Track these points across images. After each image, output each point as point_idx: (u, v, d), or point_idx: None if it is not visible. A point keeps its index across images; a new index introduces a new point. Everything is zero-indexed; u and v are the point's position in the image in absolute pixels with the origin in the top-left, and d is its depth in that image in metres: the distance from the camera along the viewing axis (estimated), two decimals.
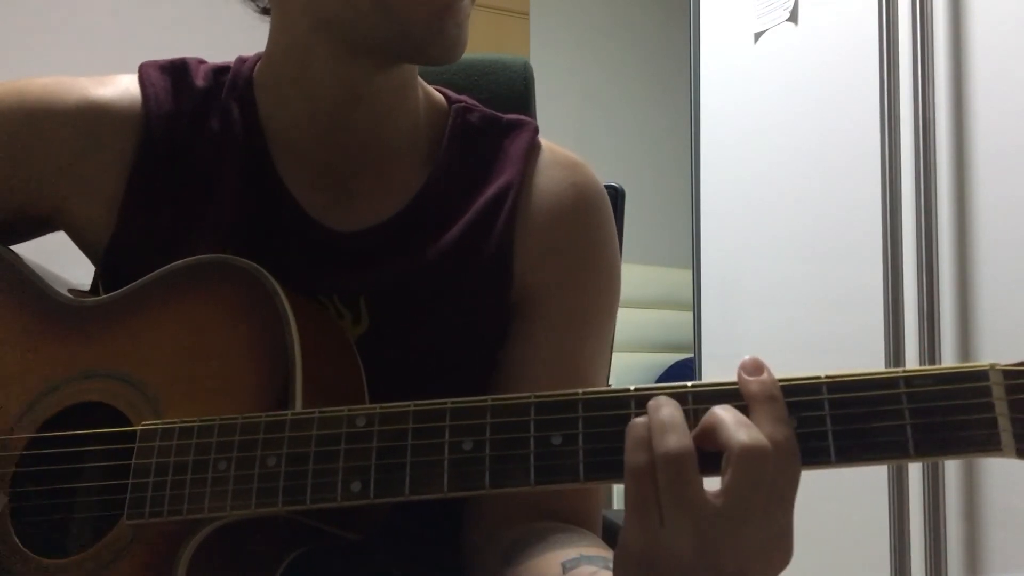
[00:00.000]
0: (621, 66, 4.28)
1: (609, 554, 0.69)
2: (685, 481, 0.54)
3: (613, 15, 4.29)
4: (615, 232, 0.91)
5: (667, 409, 0.56)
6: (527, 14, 3.55)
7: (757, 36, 2.15)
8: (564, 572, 0.68)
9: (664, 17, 4.23)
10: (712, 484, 0.56)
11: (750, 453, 0.54)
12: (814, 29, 2.01)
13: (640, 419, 0.57)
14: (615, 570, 0.58)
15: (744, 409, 0.57)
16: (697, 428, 0.56)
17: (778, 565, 0.56)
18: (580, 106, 4.13)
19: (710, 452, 0.56)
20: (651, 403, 0.57)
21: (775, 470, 0.54)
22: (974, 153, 1.66)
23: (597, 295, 0.88)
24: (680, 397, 0.58)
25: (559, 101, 3.86)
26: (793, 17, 2.05)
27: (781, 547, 0.56)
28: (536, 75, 1.18)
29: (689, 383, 0.59)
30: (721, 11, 2.27)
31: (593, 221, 0.88)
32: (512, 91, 1.15)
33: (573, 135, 3.86)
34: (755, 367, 0.58)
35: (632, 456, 0.56)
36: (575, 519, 0.80)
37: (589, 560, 0.68)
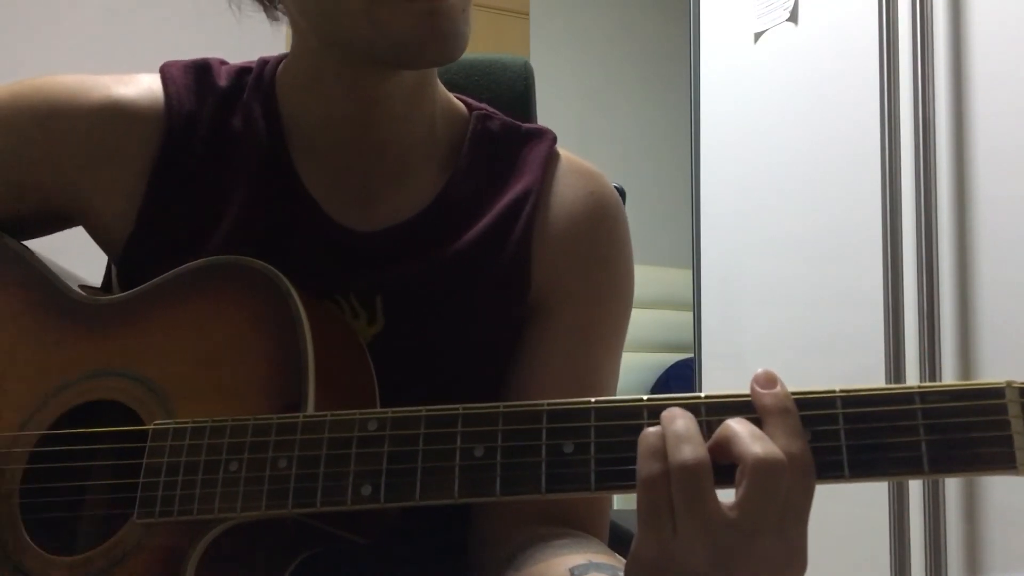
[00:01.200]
0: (621, 66, 4.28)
1: (618, 562, 0.69)
2: (700, 492, 0.54)
3: (613, 15, 4.29)
4: (630, 242, 0.92)
5: (682, 420, 0.56)
6: (527, 14, 3.55)
7: (757, 36, 2.16)
8: None
9: (664, 17, 4.22)
10: (726, 496, 0.56)
11: (765, 465, 0.54)
12: (814, 29, 2.01)
13: (653, 429, 0.57)
14: None
15: (758, 422, 0.57)
16: (711, 440, 0.56)
17: None
18: (580, 106, 4.12)
19: (723, 464, 0.56)
20: (665, 414, 0.57)
21: (790, 483, 0.54)
22: (974, 153, 1.67)
23: (611, 304, 0.88)
24: (693, 408, 0.58)
25: (559, 101, 3.86)
26: (793, 17, 2.05)
27: (795, 561, 0.56)
28: (536, 75, 1.18)
29: (702, 394, 0.59)
30: (721, 11, 2.27)
31: (609, 231, 0.89)
32: (512, 91, 1.15)
33: (573, 135, 3.86)
34: (768, 380, 0.58)
35: (645, 466, 0.56)
36: (582, 524, 0.80)
37: (598, 568, 0.68)
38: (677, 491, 0.55)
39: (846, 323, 1.88)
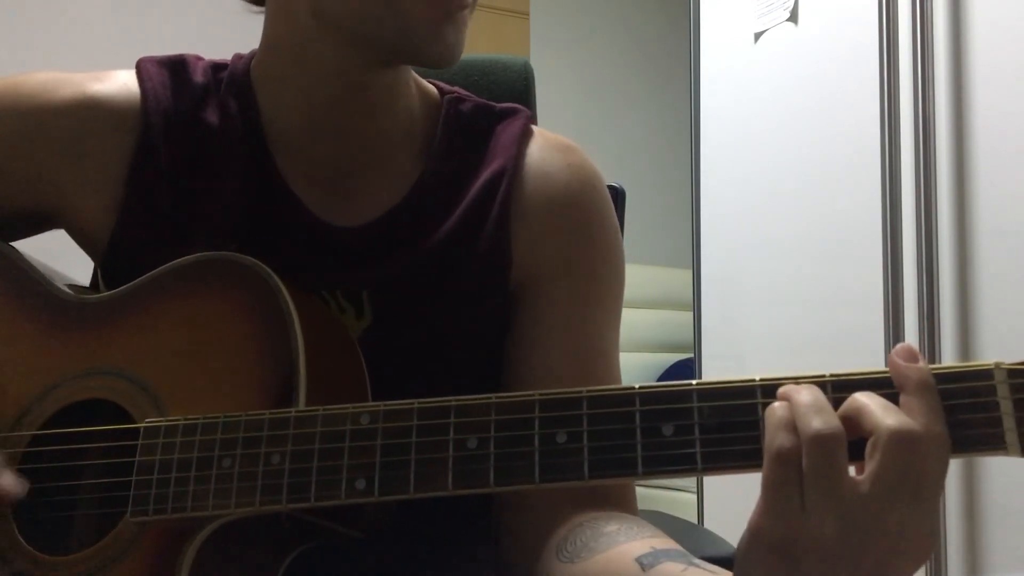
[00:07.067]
0: (621, 66, 4.29)
1: (676, 545, 0.68)
2: (834, 463, 0.53)
3: (613, 15, 4.29)
4: (613, 209, 0.91)
5: (808, 392, 0.55)
6: (527, 14, 3.56)
7: (757, 36, 2.16)
8: (644, 570, 0.66)
9: (664, 17, 4.23)
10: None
11: (900, 437, 0.53)
12: (814, 29, 2.01)
13: (780, 403, 0.56)
14: (744, 556, 0.56)
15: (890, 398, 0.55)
16: (839, 412, 0.55)
17: (917, 560, 0.55)
18: (580, 106, 4.13)
19: (851, 440, 0.54)
20: (787, 389, 0.56)
21: (925, 458, 0.53)
22: (974, 153, 1.67)
23: (601, 270, 0.88)
24: (820, 387, 0.57)
25: (559, 101, 3.86)
26: (793, 17, 2.05)
27: (925, 540, 0.54)
28: (536, 75, 1.18)
29: (827, 373, 0.58)
30: (721, 11, 2.28)
31: (589, 199, 0.88)
32: (512, 91, 1.15)
33: (573, 135, 3.84)
34: (911, 354, 0.56)
35: (775, 438, 0.54)
36: (615, 500, 0.79)
37: (666, 555, 0.66)
38: (809, 463, 0.53)
39: (846, 323, 1.88)
